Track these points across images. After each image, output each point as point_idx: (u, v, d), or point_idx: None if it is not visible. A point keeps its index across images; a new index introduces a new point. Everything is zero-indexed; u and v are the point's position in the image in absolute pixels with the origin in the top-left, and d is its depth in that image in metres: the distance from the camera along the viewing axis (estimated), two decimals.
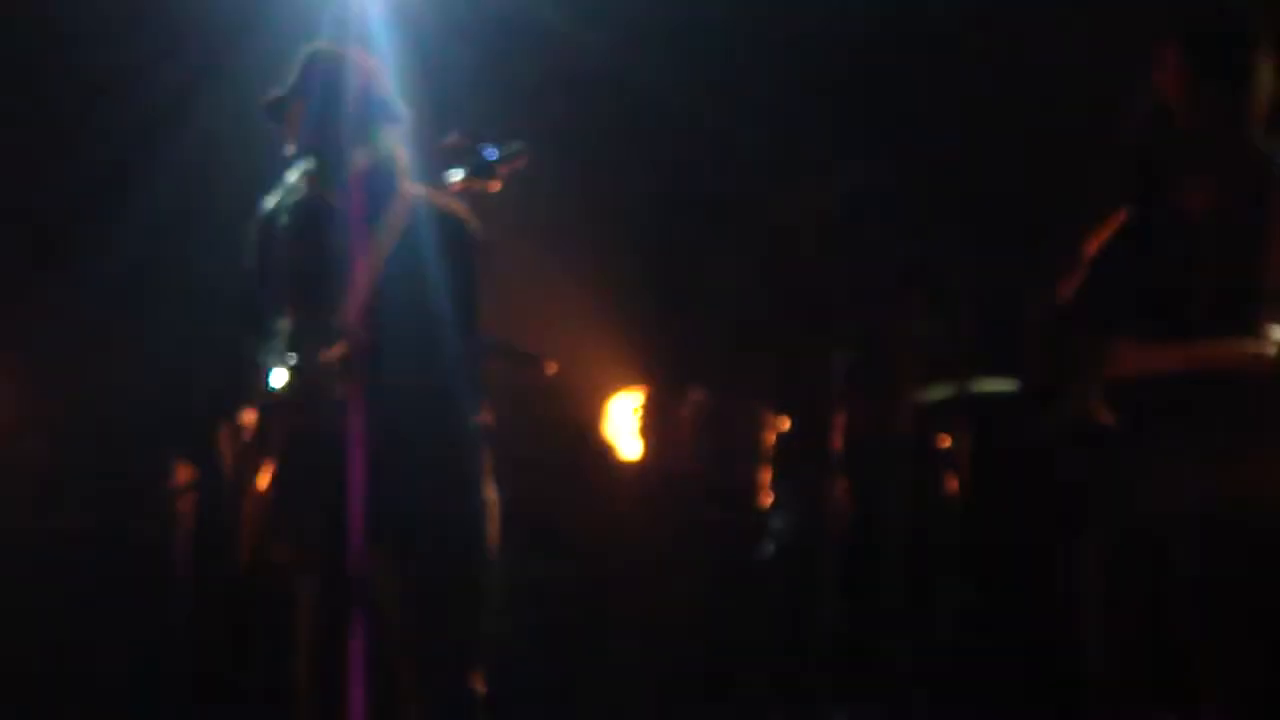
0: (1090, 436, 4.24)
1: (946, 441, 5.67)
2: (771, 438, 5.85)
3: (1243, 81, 4.25)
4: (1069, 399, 4.33)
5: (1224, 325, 4.07)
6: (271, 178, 3.93)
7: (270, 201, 3.83)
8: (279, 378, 3.94)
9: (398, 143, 3.99)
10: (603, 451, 6.71)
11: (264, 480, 3.93)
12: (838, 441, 5.58)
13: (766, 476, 5.83)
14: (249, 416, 4.06)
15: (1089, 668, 4.41)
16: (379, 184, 3.90)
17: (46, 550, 5.96)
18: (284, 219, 3.87)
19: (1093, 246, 4.54)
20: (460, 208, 4.01)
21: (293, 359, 3.91)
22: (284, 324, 3.96)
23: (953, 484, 5.63)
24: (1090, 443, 4.25)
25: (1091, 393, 4.23)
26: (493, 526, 4.02)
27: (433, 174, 4.12)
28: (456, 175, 4.11)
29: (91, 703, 5.69)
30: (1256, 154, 4.24)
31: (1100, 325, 4.32)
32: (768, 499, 5.84)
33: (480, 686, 3.97)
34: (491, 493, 4.03)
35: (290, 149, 3.95)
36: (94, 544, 5.81)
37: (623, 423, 6.63)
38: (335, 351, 3.81)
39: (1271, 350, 4.08)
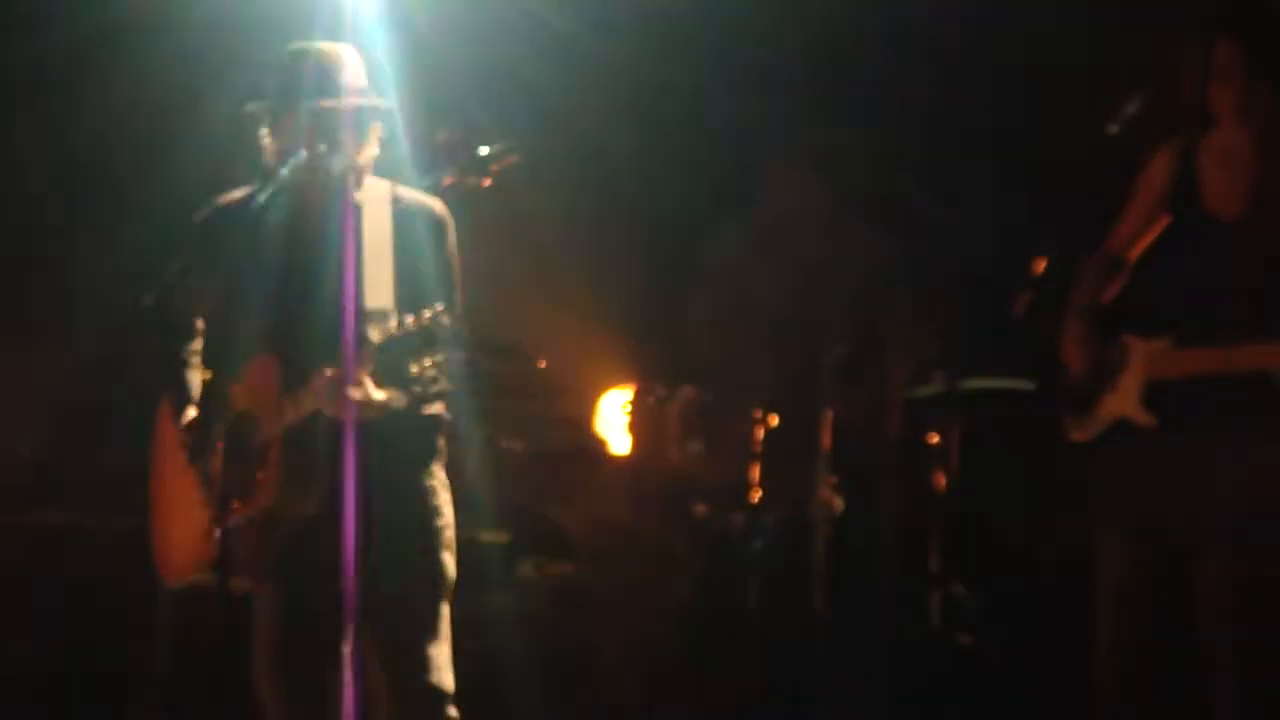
0: (1130, 435, 4.35)
1: (934, 438, 5.70)
2: (760, 434, 5.79)
3: None
4: (1109, 398, 4.42)
5: (1259, 325, 4.16)
6: (257, 178, 3.96)
7: (263, 195, 3.86)
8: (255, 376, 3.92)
9: (379, 140, 4.02)
10: (593, 447, 6.69)
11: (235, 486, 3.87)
12: (826, 438, 5.58)
13: (755, 473, 5.79)
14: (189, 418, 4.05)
15: (1100, 666, 4.51)
16: (362, 181, 3.94)
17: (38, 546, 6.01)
18: (275, 213, 3.88)
19: (1124, 240, 4.61)
20: (438, 205, 4.06)
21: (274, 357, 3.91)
22: (258, 320, 3.96)
23: (940, 480, 5.66)
24: (1128, 442, 4.36)
25: (1132, 393, 4.32)
26: (447, 520, 4.05)
27: (426, 169, 4.21)
28: (448, 172, 4.21)
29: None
30: None
31: (1139, 327, 4.37)
32: (756, 495, 5.80)
33: (449, 684, 4.00)
34: (443, 480, 4.05)
35: (274, 153, 3.97)
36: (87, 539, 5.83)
37: (613, 418, 6.58)
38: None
39: None
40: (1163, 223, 4.49)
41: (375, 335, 3.71)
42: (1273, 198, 4.26)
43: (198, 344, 4.10)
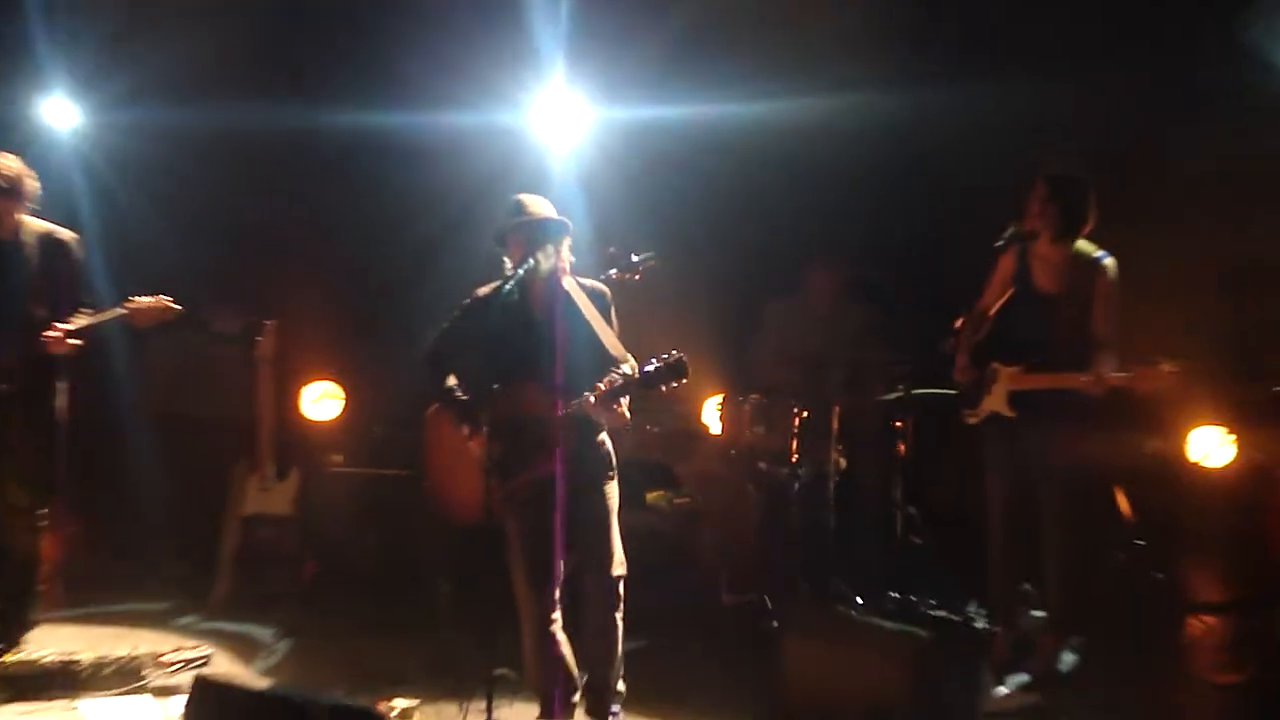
0: (999, 421, 5.80)
1: (899, 425, 6.92)
2: (798, 422, 7.00)
3: (1079, 208, 5.58)
4: (988, 399, 5.83)
5: (1071, 360, 5.50)
6: (499, 275, 4.93)
7: (507, 287, 4.80)
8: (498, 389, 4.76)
9: (567, 248, 4.96)
10: (700, 429, 8.01)
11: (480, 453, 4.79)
12: (835, 425, 6.97)
13: (795, 445, 7.03)
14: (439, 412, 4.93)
15: (993, 554, 5.93)
16: (558, 275, 4.87)
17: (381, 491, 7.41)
18: (515, 296, 4.82)
19: (988, 303, 5.76)
20: (603, 287, 4.99)
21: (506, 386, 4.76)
22: (499, 362, 4.83)
23: (901, 449, 6.93)
24: (999, 424, 5.81)
25: (1001, 397, 5.79)
26: (614, 471, 5.01)
27: (602, 269, 5.14)
28: (613, 270, 5.10)
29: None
30: (1084, 255, 5.59)
31: (1003, 358, 5.75)
32: (795, 458, 7.01)
33: (623, 570, 4.91)
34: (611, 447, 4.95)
35: (510, 261, 4.92)
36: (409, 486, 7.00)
37: (712, 412, 7.89)
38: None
39: (1100, 376, 5.31)
40: (1008, 295, 5.77)
41: (599, 386, 4.59)
42: (1073, 282, 5.59)
43: (453, 379, 5.02)
